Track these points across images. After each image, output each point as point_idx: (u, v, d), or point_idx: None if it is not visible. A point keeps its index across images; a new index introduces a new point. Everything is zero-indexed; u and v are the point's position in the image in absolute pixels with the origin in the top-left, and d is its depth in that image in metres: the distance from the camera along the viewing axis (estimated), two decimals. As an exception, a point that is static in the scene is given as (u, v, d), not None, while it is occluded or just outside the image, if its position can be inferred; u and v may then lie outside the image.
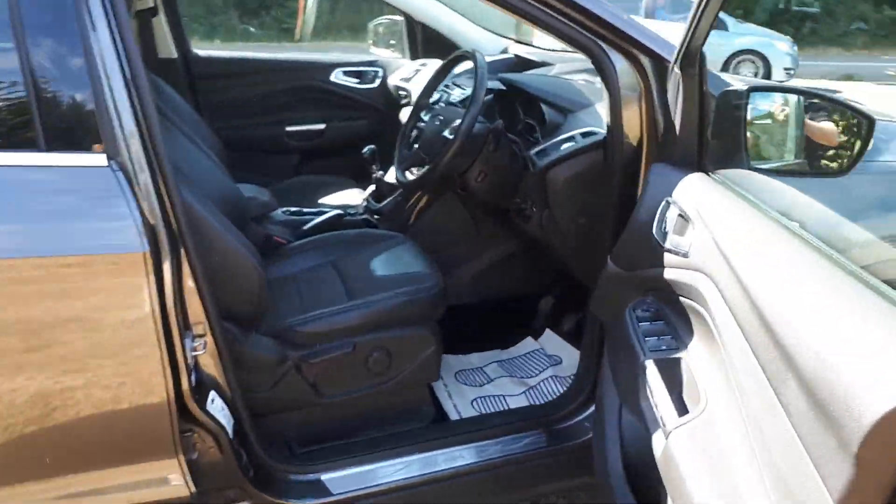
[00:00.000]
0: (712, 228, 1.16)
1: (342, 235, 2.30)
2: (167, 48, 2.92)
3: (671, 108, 1.52)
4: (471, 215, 2.48)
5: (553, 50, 2.84)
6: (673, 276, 1.26)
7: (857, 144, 1.38)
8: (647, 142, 1.67)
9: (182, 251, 1.39)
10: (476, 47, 3.14)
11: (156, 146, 1.32)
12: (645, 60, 1.61)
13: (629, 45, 1.60)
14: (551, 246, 2.01)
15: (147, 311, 1.37)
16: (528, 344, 2.50)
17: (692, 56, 1.41)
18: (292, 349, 1.85)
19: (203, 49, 3.20)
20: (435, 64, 3.03)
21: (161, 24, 2.89)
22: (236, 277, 1.66)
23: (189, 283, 1.42)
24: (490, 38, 3.21)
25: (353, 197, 2.76)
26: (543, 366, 2.39)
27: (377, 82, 3.25)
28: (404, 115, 3.12)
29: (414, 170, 2.20)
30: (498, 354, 2.46)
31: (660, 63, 1.60)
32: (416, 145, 2.23)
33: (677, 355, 1.23)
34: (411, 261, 2.14)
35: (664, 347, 1.25)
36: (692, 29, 1.37)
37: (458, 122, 2.02)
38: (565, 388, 2.24)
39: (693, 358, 1.20)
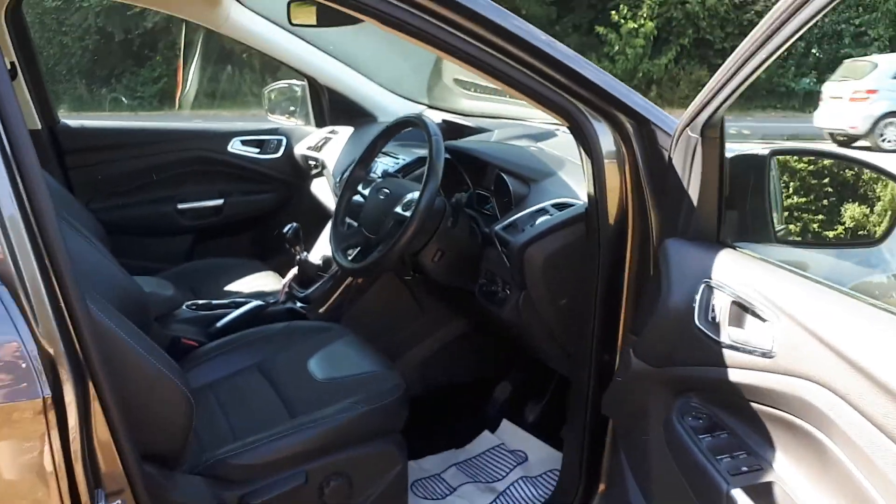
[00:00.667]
0: (808, 323, 0.95)
1: (266, 331, 1.94)
2: (30, 117, 2.46)
3: (681, 175, 1.33)
4: (413, 296, 2.20)
5: (479, 115, 2.66)
6: (746, 379, 1.04)
7: (893, 210, 1.25)
8: (632, 213, 1.48)
9: (91, 385, 1.03)
10: (388, 113, 2.96)
11: (50, 243, 0.97)
12: (628, 124, 1.43)
13: (612, 108, 1.42)
14: (527, 332, 1.76)
15: (47, 470, 1.00)
16: (486, 440, 2.22)
17: (715, 121, 1.24)
18: (228, 488, 1.47)
19: (72, 118, 2.75)
20: (346, 131, 2.77)
21: (21, 88, 2.44)
22: (160, 409, 1.28)
23: (101, 428, 1.06)
24: (402, 103, 2.98)
25: (269, 282, 2.40)
26: (508, 465, 2.10)
27: (281, 151, 2.92)
28: (317, 187, 2.82)
29: (352, 251, 1.90)
30: (455, 455, 2.15)
31: (644, 127, 1.42)
32: (356, 223, 1.93)
33: (766, 478, 1.00)
34: (357, 357, 1.82)
35: (746, 469, 1.02)
36: (715, 93, 1.21)
37: (409, 196, 1.75)
38: (541, 492, 1.96)
39: (789, 482, 0.97)
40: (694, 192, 1.30)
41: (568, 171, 1.82)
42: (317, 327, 1.97)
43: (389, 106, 2.95)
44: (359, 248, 1.89)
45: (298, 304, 2.19)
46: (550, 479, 2.02)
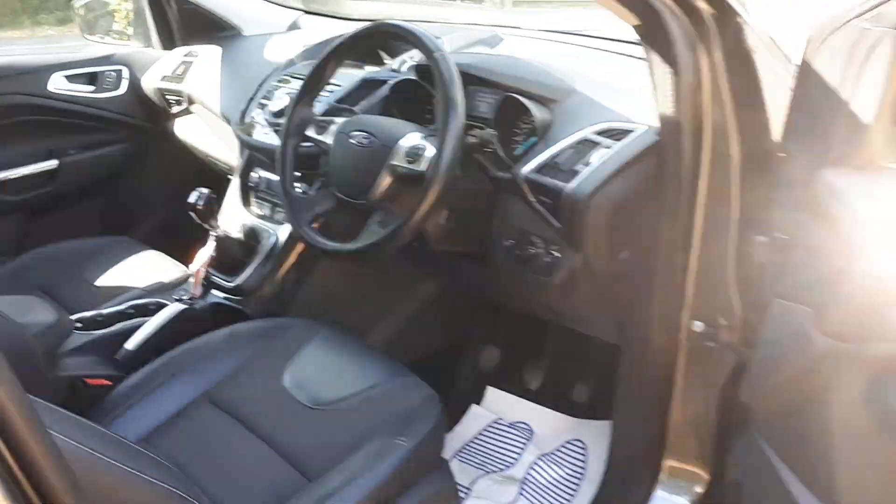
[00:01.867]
0: None
1: (202, 345, 1.41)
2: None
3: (835, 85, 1.00)
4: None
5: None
6: None
7: None
8: (711, 136, 1.15)
9: None
10: (254, 24, 2.32)
11: None
12: (708, 17, 1.08)
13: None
14: (569, 298, 1.39)
15: None
16: (477, 416, 1.87)
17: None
18: None
19: None
20: (209, 52, 2.12)
21: None
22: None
23: None
24: (270, 10, 2.36)
25: (159, 269, 1.79)
26: (516, 444, 1.78)
27: (124, 86, 2.19)
28: (185, 129, 2.17)
29: (321, 223, 1.38)
30: (450, 442, 1.78)
31: (729, 18, 1.08)
32: (318, 184, 1.41)
33: None
34: (349, 361, 1.37)
35: None
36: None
37: (408, 142, 1.27)
38: (568, 471, 1.67)
39: None
40: (869, 107, 0.97)
41: (583, 83, 1.42)
42: (271, 327, 1.46)
43: (254, 14, 2.31)
44: (334, 220, 1.38)
45: (223, 296, 1.64)
46: (572, 454, 1.73)
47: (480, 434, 1.82)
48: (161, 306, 1.58)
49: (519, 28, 2.11)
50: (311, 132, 1.40)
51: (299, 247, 1.63)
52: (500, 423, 1.84)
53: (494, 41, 1.78)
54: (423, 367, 1.89)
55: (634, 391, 1.43)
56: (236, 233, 1.67)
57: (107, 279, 1.78)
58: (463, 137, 1.20)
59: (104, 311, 1.54)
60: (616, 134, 1.29)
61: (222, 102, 1.91)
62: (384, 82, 1.59)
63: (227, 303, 1.61)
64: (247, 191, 1.79)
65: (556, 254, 1.30)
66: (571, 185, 1.22)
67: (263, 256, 1.61)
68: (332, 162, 1.34)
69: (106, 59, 2.18)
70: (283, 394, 1.30)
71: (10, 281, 1.79)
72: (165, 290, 1.71)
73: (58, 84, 2.07)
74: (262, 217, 1.74)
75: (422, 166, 1.22)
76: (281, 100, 1.65)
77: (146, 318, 1.51)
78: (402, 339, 1.87)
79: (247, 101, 1.79)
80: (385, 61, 1.87)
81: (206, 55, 2.14)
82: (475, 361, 1.94)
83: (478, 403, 1.91)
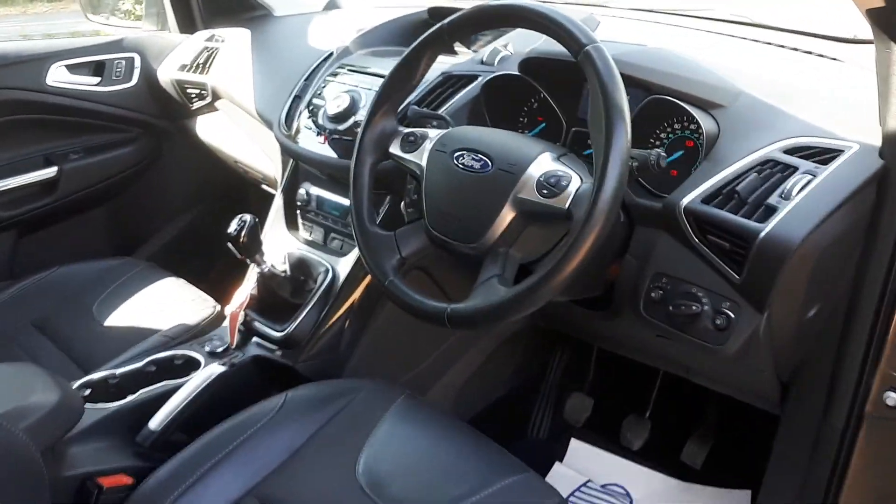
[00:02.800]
0: None
1: (247, 420, 1.08)
2: None
3: None
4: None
5: None
6: None
7: None
8: None
9: None
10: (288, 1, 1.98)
11: None
12: None
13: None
14: (727, 371, 1.07)
15: None
16: (562, 477, 1.54)
17: None
18: None
19: None
20: (238, 37, 1.78)
21: None
22: None
23: None
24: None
25: (190, 304, 1.46)
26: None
27: (135, 77, 1.85)
28: (209, 129, 1.83)
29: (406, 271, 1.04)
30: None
31: None
32: (407, 215, 1.07)
33: None
34: (453, 452, 1.05)
35: None
36: None
37: (542, 166, 0.92)
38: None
39: None
40: None
41: (748, 82, 1.09)
42: (334, 393, 1.14)
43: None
44: (431, 266, 1.05)
45: (266, 346, 1.31)
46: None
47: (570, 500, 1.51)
48: (189, 362, 1.25)
49: (606, 6, 1.77)
50: (395, 149, 1.06)
51: (362, 285, 1.30)
52: (591, 488, 1.53)
53: (591, 23, 1.44)
54: (487, 414, 1.61)
55: (794, 467, 1.13)
56: (281, 265, 1.34)
57: (118, 316, 1.46)
58: (629, 161, 0.86)
59: (118, 372, 1.21)
60: (815, 154, 0.95)
61: (257, 99, 1.57)
62: (470, 79, 1.26)
63: (272, 356, 1.28)
64: (293, 211, 1.45)
65: (730, 313, 0.96)
66: (770, 227, 0.89)
67: (318, 297, 1.28)
68: (428, 190, 1.00)
69: (114, 46, 1.83)
70: (358, 493, 0.98)
71: (1, 315, 1.47)
72: (191, 334, 1.38)
73: (57, 76, 1.73)
74: (311, 244, 1.40)
75: (564, 202, 0.89)
76: (339, 99, 1.31)
77: (172, 382, 1.18)
78: (472, 389, 1.55)
79: (289, 98, 1.45)
80: (457, 50, 1.53)
81: (234, 40, 1.80)
82: (554, 408, 1.63)
83: (559, 460, 1.59)
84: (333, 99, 1.32)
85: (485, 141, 0.99)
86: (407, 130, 1.07)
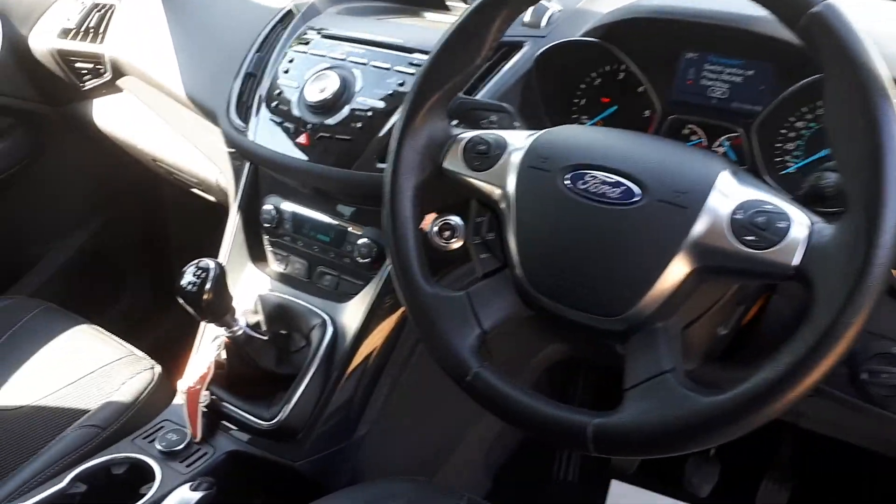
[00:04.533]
0: None
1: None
2: None
3: None
4: None
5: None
6: None
7: None
8: None
9: None
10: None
11: None
12: None
13: None
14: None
15: None
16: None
17: None
18: None
19: None
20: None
21: None
22: None
23: None
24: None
25: (117, 365, 1.06)
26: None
27: (-4, 48, 1.35)
28: (111, 112, 1.37)
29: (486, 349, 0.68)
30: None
31: None
32: (491, 268, 0.69)
33: None
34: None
35: None
36: None
37: (746, 199, 0.59)
38: None
39: None
40: None
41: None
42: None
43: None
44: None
45: (241, 435, 0.92)
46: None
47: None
48: (137, 470, 0.86)
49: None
50: (454, 164, 0.69)
51: (377, 341, 0.94)
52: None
53: None
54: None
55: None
56: (252, 318, 0.95)
57: (10, 392, 1.02)
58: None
59: (32, 502, 0.80)
60: None
61: (185, 79, 1.13)
62: (513, 48, 0.90)
63: (260, 453, 0.90)
64: (255, 234, 1.05)
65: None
66: None
67: (317, 367, 0.90)
68: (524, 230, 0.65)
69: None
70: None
71: None
72: (128, 418, 0.98)
73: None
74: (289, 281, 1.02)
75: (789, 255, 0.55)
76: (323, 81, 0.91)
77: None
78: (503, 438, 1.24)
79: (237, 77, 1.04)
80: (449, 5, 1.16)
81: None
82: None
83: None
84: (314, 80, 0.93)
85: (616, 152, 0.64)
86: (471, 135, 0.70)
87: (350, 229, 0.97)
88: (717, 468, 1.25)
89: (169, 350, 1.15)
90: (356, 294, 0.95)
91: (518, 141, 0.68)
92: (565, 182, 0.63)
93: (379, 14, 1.10)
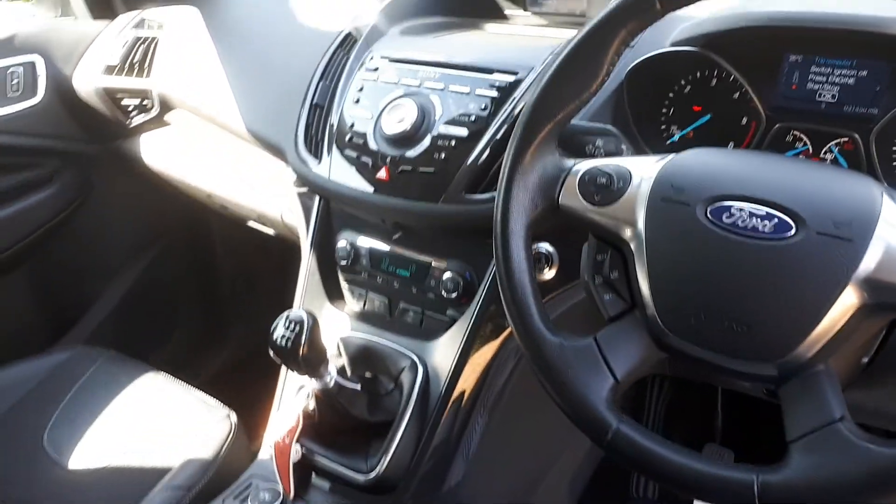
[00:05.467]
0: None
1: None
2: None
3: None
4: None
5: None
6: None
7: None
8: None
9: None
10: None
11: None
12: None
13: None
14: None
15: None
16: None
17: None
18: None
19: None
20: (178, 19, 1.29)
21: None
22: None
23: None
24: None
25: (192, 414, 1.02)
26: None
27: (41, 90, 1.31)
28: (162, 148, 1.34)
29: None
30: None
31: None
32: (615, 312, 0.64)
33: None
34: None
35: None
36: None
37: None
38: None
39: None
40: None
41: None
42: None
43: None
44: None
45: (338, 488, 0.88)
46: None
47: None
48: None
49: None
50: (571, 199, 0.64)
51: (471, 379, 0.89)
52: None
53: None
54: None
55: None
56: (336, 362, 0.90)
57: (93, 451, 0.98)
58: None
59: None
60: None
61: (244, 112, 1.09)
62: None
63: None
64: (331, 272, 1.00)
65: None
66: None
67: (412, 412, 0.85)
68: (658, 269, 0.59)
69: (5, 47, 1.28)
70: None
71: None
72: (212, 475, 0.93)
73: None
74: (369, 319, 0.97)
75: None
76: (400, 110, 0.86)
77: None
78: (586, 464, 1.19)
79: (303, 109, 0.99)
80: (508, 13, 1.12)
81: (178, 25, 1.29)
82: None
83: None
84: (390, 110, 0.88)
85: (759, 179, 0.58)
86: (588, 166, 0.65)
87: (433, 263, 0.92)
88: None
89: (236, 389, 1.11)
90: (443, 330, 0.90)
91: (643, 170, 0.63)
92: (708, 215, 0.58)
93: (441, 30, 1.05)
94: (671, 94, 0.85)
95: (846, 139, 0.77)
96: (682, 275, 0.59)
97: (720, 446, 1.26)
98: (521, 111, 0.79)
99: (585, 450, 1.21)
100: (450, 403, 0.88)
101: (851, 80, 0.75)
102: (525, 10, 1.12)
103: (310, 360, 0.77)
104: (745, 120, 0.82)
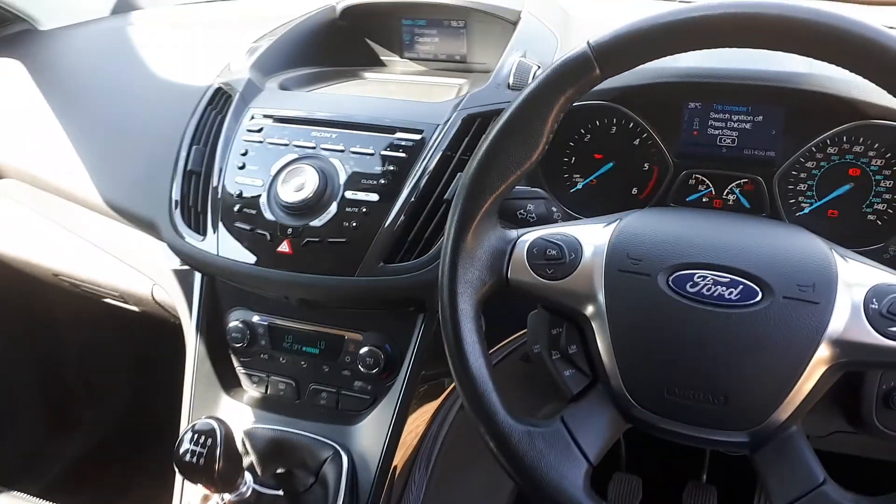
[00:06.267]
0: None
1: None
2: None
3: None
4: None
5: None
6: None
7: None
8: None
9: None
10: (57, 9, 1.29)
11: None
12: None
13: None
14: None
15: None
16: None
17: None
18: None
19: None
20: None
21: None
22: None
23: None
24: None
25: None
26: None
27: None
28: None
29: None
30: None
31: None
32: (581, 386, 0.59)
33: None
34: None
35: None
36: None
37: (881, 282, 0.54)
38: None
39: None
40: None
41: None
42: None
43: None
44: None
45: None
46: None
47: None
48: None
49: None
50: (521, 274, 0.60)
51: (403, 455, 0.82)
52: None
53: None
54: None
55: None
56: (244, 461, 0.80)
57: None
58: None
59: None
60: None
61: (98, 182, 0.95)
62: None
63: None
64: (225, 357, 0.89)
65: None
66: None
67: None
68: (621, 343, 0.56)
69: None
70: None
71: None
72: None
73: None
74: (274, 405, 0.87)
75: None
76: (298, 177, 0.78)
77: None
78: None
79: (176, 176, 0.87)
80: (384, 60, 1.08)
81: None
82: None
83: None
84: (286, 176, 0.79)
85: (717, 245, 0.57)
86: (533, 237, 0.61)
87: (347, 336, 0.84)
88: (714, 493, 1.23)
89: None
90: (365, 410, 0.83)
91: (592, 238, 0.60)
92: (670, 284, 0.56)
93: (321, 81, 0.98)
94: (571, 144, 0.85)
95: (746, 180, 0.79)
96: (649, 348, 0.57)
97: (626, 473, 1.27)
98: (433, 172, 0.74)
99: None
100: (384, 486, 0.80)
101: (748, 125, 0.78)
102: (401, 56, 1.08)
103: (227, 474, 0.67)
104: (646, 166, 0.83)
